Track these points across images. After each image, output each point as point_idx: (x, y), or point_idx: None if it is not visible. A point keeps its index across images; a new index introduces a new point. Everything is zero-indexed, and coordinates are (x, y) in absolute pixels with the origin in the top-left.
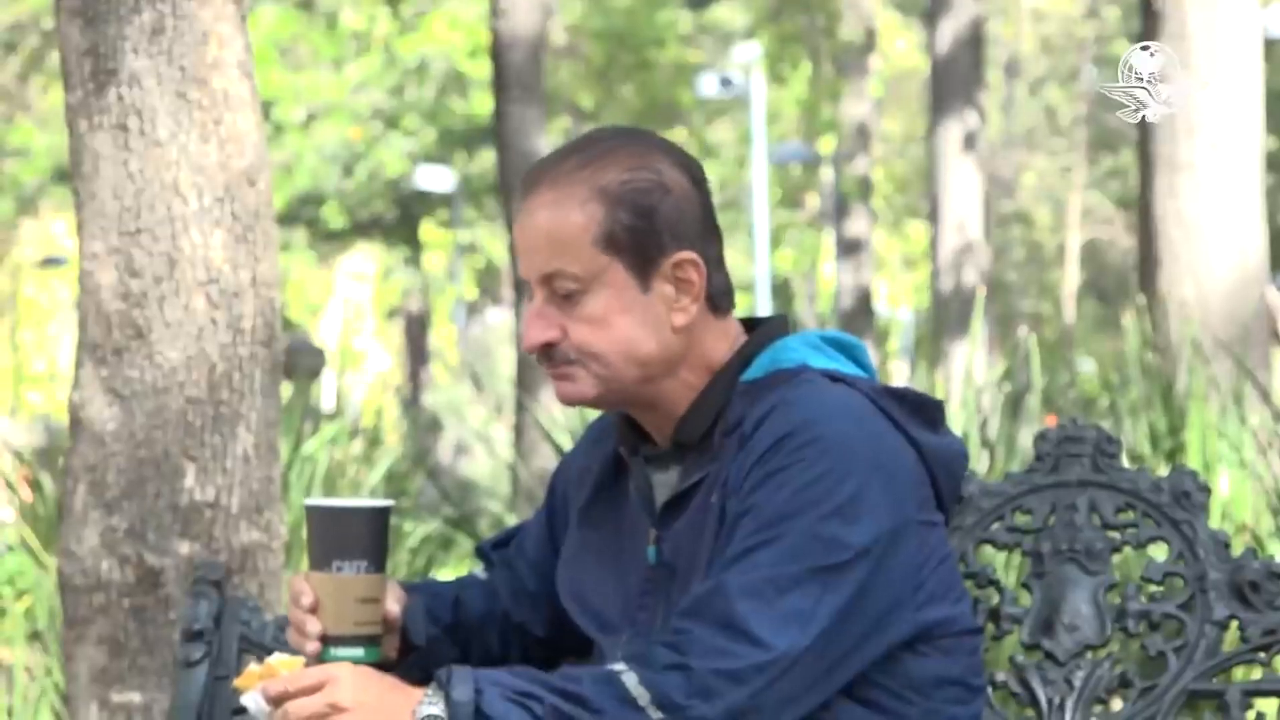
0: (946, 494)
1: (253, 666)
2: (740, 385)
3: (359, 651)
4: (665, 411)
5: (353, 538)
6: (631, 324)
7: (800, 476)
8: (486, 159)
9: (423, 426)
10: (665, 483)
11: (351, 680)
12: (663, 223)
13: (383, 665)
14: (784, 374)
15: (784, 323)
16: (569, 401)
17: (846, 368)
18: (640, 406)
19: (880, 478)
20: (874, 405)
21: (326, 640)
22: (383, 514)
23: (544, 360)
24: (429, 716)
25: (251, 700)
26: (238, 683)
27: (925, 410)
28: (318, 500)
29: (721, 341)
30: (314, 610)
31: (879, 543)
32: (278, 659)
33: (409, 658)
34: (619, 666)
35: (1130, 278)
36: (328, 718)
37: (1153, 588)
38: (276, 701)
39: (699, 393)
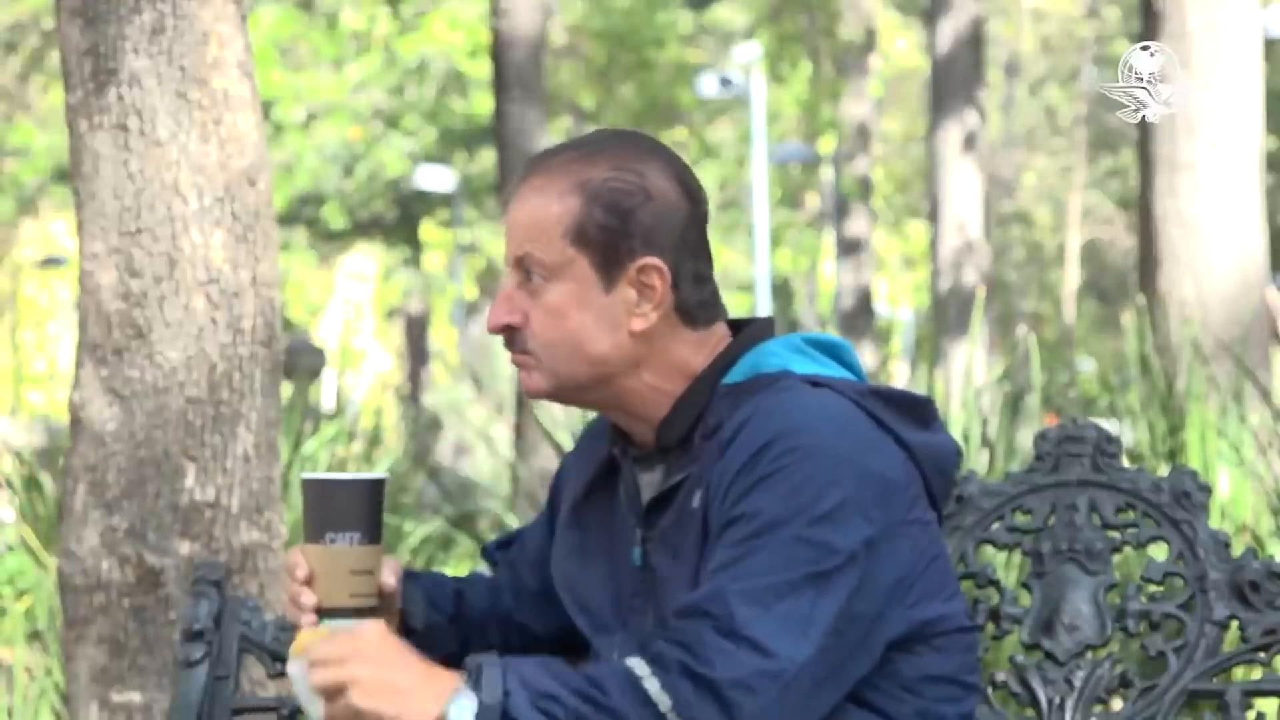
0: (938, 491)
1: (303, 634)
2: (721, 388)
3: (354, 624)
4: (634, 413)
5: (345, 509)
6: (586, 321)
7: (785, 483)
8: (486, 159)
9: (423, 426)
10: (651, 483)
11: (377, 656)
12: (636, 226)
13: None
14: (765, 379)
15: (769, 325)
16: (528, 394)
17: (830, 370)
18: (603, 406)
19: (863, 481)
20: (858, 407)
21: (321, 612)
22: (376, 486)
23: (507, 345)
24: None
25: (294, 667)
26: (291, 649)
27: (915, 408)
28: (312, 473)
29: (699, 350)
30: (309, 583)
31: (869, 545)
32: (308, 630)
33: (408, 641)
34: (641, 671)
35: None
36: (345, 689)
37: (1153, 588)
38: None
39: (678, 396)
